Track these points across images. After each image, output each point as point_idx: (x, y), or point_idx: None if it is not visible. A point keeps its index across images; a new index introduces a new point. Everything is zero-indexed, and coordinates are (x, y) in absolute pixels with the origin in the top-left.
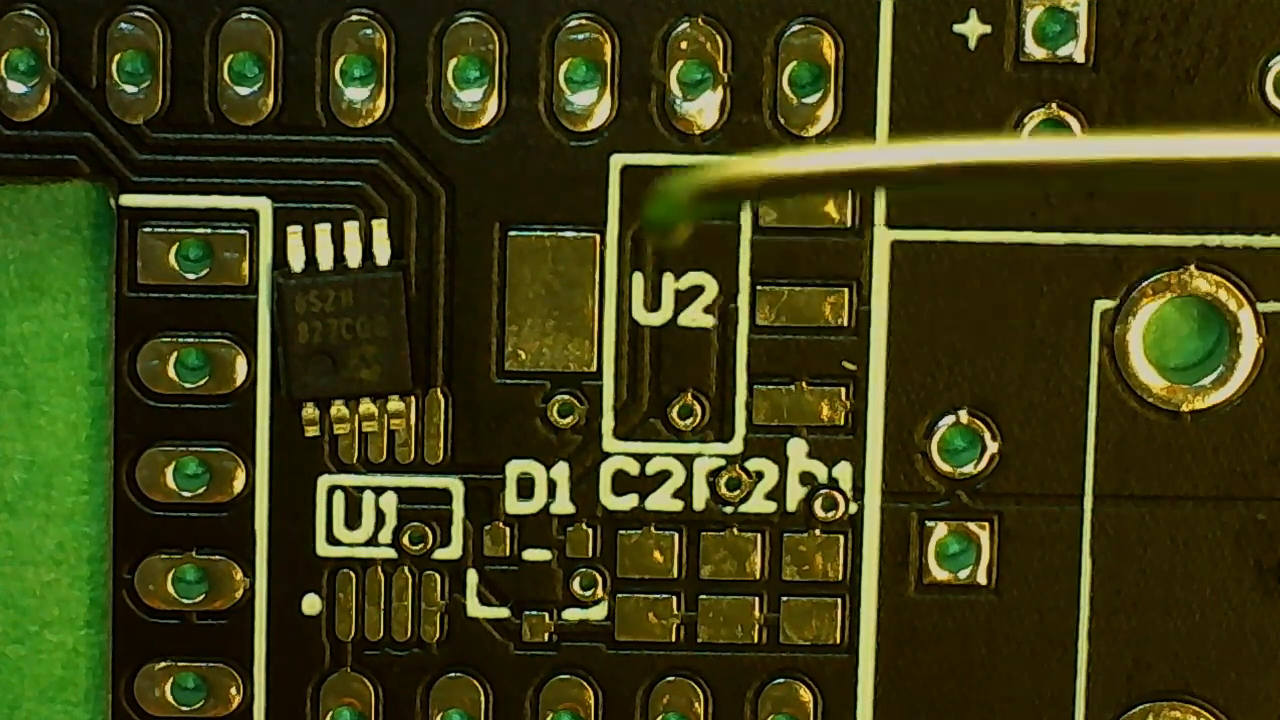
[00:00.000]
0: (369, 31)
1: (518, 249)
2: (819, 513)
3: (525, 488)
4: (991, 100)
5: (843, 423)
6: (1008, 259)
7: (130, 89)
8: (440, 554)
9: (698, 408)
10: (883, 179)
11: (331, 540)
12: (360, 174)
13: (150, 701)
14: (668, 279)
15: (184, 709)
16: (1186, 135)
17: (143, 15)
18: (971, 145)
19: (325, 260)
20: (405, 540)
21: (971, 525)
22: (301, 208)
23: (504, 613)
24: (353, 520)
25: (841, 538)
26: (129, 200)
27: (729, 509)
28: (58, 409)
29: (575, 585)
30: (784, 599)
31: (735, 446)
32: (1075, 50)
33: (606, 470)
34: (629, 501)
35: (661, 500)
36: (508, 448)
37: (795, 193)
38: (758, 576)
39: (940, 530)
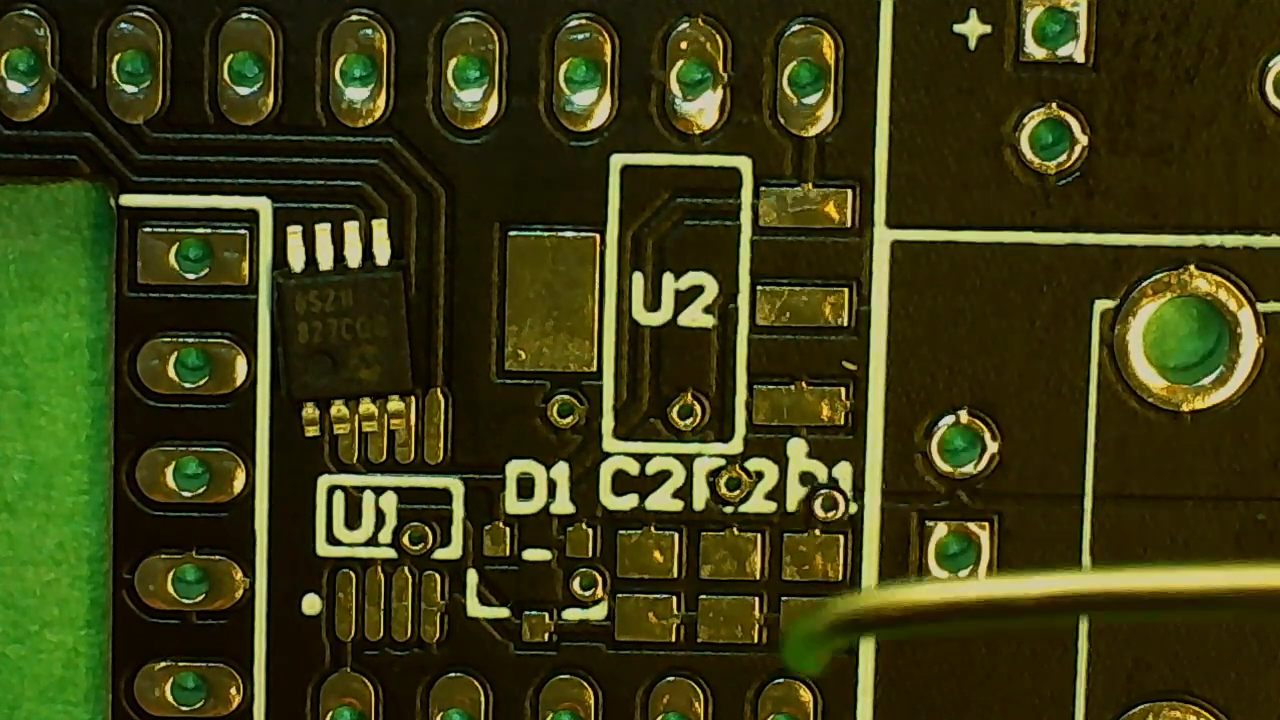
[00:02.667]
0: (369, 31)
1: (518, 249)
2: (819, 513)
3: (525, 488)
4: (991, 100)
5: (843, 423)
6: (1008, 259)
7: (130, 89)
8: (440, 554)
9: (698, 408)
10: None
11: (331, 540)
12: (360, 174)
13: (150, 701)
14: (668, 279)
15: (184, 709)
16: None
17: (143, 15)
18: (1115, 576)
19: (325, 260)
20: (405, 540)
21: (971, 525)
22: (301, 208)
23: (504, 613)
24: (353, 520)
25: (841, 538)
26: (129, 200)
27: (729, 509)
28: (58, 409)
29: (575, 585)
30: (784, 599)
31: (735, 446)
32: (1075, 50)
33: (606, 470)
34: (629, 501)
35: (661, 500)
36: (508, 448)
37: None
38: (758, 576)
39: (940, 530)
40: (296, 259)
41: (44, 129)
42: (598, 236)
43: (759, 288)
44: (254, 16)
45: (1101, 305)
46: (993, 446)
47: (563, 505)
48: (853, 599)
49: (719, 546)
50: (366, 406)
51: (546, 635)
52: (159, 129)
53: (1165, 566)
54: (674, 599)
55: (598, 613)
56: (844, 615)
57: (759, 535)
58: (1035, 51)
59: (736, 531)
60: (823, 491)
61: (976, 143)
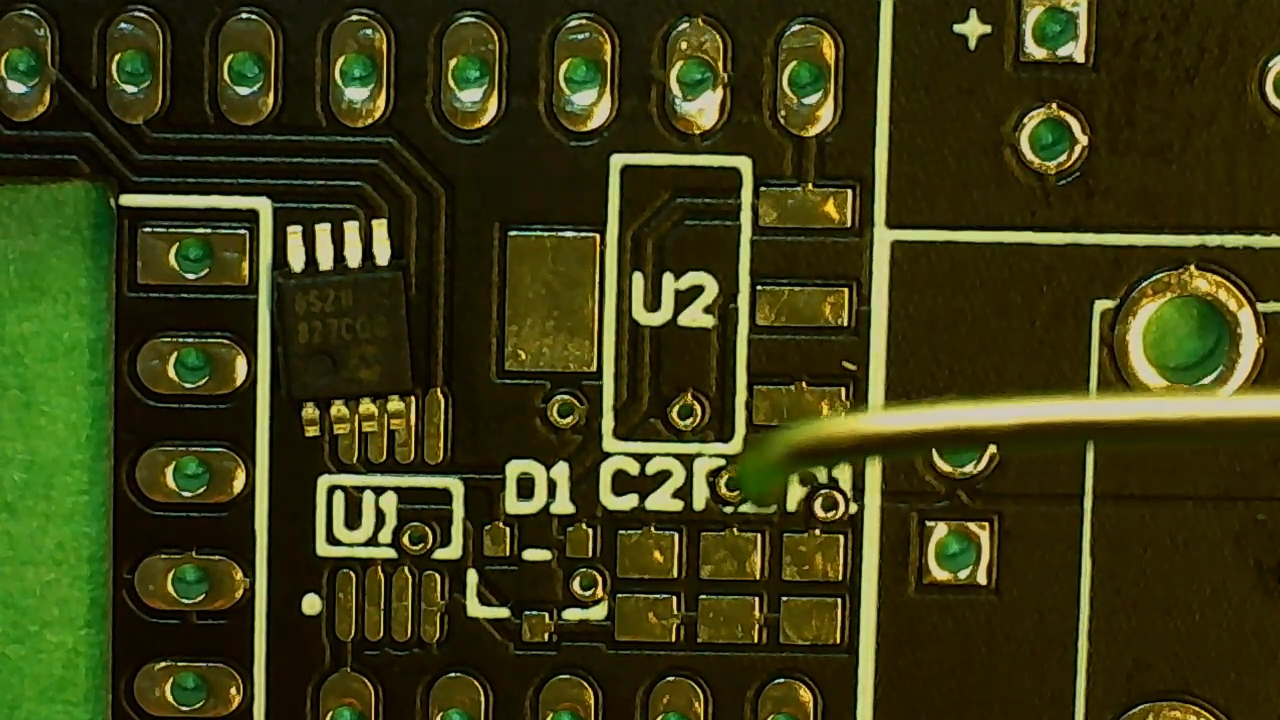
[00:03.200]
0: (369, 31)
1: (518, 249)
2: (819, 513)
3: (525, 488)
4: (991, 100)
5: None
6: (1008, 259)
7: (130, 89)
8: (440, 554)
9: (698, 408)
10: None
11: (331, 540)
12: (360, 174)
13: (150, 701)
14: (668, 279)
15: (184, 709)
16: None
17: (143, 15)
18: (1067, 405)
19: (325, 260)
20: (405, 540)
21: (971, 525)
22: (301, 208)
23: (504, 613)
24: (353, 520)
25: (841, 538)
26: (129, 200)
27: (729, 509)
28: (58, 409)
29: (575, 585)
30: (784, 599)
31: (735, 446)
32: (1075, 50)
33: (606, 470)
34: (629, 501)
35: (661, 500)
36: (508, 448)
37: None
38: (758, 576)
39: (940, 530)
40: (296, 259)
41: (44, 129)
42: (598, 236)
43: (759, 288)
44: (254, 16)
45: (1101, 305)
46: (993, 446)
47: (563, 505)
48: (808, 427)
49: (719, 546)
50: (366, 406)
51: (546, 635)
52: (159, 129)
53: (1146, 396)
54: (674, 599)
55: (598, 613)
56: (800, 443)
57: (759, 535)
58: (1035, 51)
59: (736, 531)
60: (823, 491)
61: (976, 143)
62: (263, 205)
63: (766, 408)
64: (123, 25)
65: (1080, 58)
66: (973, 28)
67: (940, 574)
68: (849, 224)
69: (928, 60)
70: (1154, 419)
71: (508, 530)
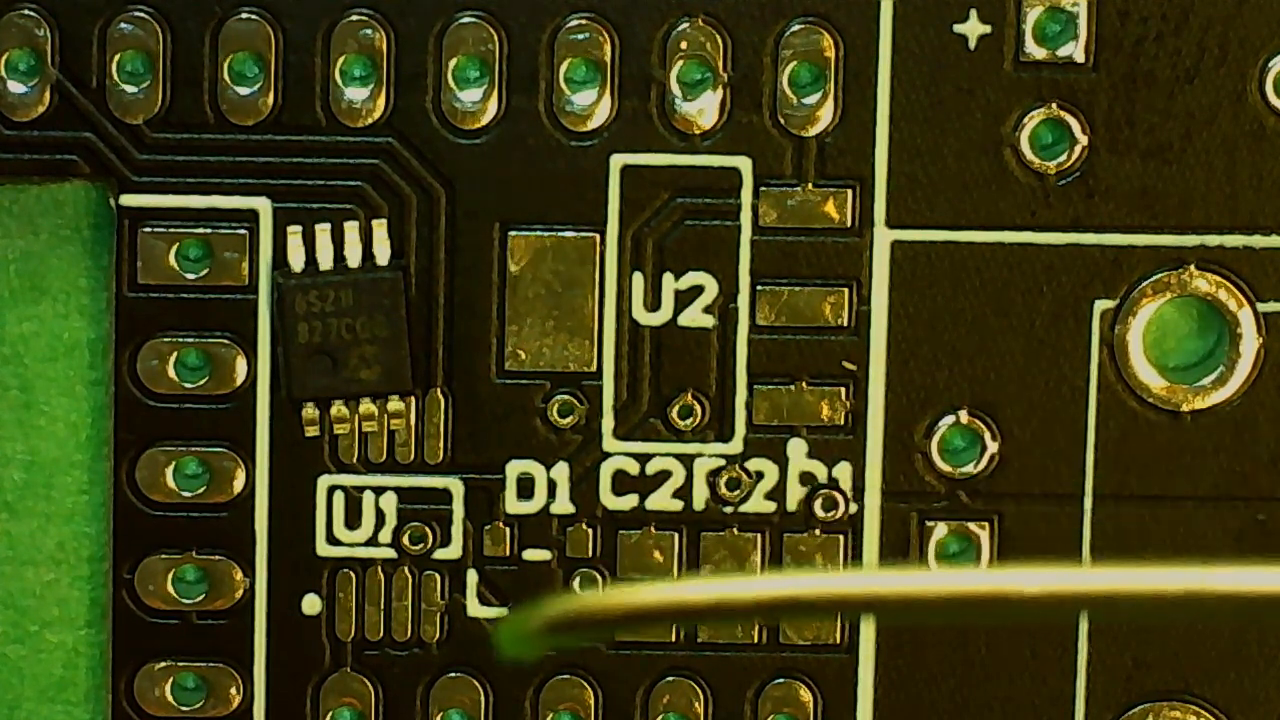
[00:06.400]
0: (369, 31)
1: (518, 249)
2: (819, 513)
3: (525, 488)
4: (991, 100)
5: (843, 423)
6: (1008, 259)
7: (130, 89)
8: (440, 554)
9: (698, 408)
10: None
11: (331, 540)
12: (360, 174)
13: (150, 701)
14: (668, 279)
15: (184, 709)
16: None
17: (143, 15)
18: (828, 579)
19: (325, 260)
20: (405, 540)
21: (971, 525)
22: (301, 208)
23: (504, 613)
24: (353, 520)
25: (841, 538)
26: (129, 200)
27: (729, 509)
28: (58, 409)
29: (575, 585)
30: None
31: (735, 446)
32: (1075, 50)
33: (606, 470)
34: (629, 501)
35: (661, 500)
36: (508, 448)
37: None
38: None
39: (940, 530)
40: (296, 259)
41: (44, 129)
42: (598, 236)
43: (759, 288)
44: (254, 16)
45: (1101, 305)
46: (993, 446)
47: (563, 505)
48: (566, 600)
49: (719, 546)
50: (366, 406)
51: None
52: (159, 129)
53: (890, 570)
54: None
55: None
56: (557, 616)
57: (759, 535)
58: (1035, 51)
59: (736, 531)
60: (823, 491)
61: (976, 143)
62: (263, 205)
63: (766, 408)
64: (123, 25)
65: (1080, 58)
66: (973, 28)
67: None
68: (849, 224)
69: (928, 60)
70: (922, 593)
71: (508, 530)
